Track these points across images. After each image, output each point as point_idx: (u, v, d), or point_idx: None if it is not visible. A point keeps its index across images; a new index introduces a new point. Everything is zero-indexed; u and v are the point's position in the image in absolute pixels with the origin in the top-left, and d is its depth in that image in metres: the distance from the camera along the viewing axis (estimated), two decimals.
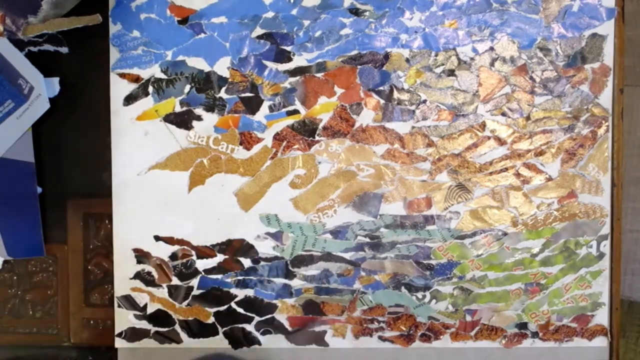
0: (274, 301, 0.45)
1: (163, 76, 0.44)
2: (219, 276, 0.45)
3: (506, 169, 0.44)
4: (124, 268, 0.45)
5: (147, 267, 0.45)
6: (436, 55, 0.43)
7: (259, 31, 0.43)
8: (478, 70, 0.43)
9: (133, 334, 0.45)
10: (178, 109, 0.44)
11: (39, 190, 0.45)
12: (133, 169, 0.44)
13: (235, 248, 0.45)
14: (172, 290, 0.45)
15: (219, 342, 0.46)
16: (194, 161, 0.44)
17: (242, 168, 0.44)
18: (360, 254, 0.45)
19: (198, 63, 0.44)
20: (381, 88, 0.44)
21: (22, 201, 0.43)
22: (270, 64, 0.44)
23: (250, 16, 0.43)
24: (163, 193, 0.44)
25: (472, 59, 0.43)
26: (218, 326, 0.45)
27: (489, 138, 0.44)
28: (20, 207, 0.43)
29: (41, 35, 0.43)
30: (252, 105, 0.44)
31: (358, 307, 0.45)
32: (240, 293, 0.45)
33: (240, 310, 0.45)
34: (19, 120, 0.41)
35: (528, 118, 0.44)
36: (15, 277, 0.46)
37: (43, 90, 0.42)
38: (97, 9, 0.42)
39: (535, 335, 0.45)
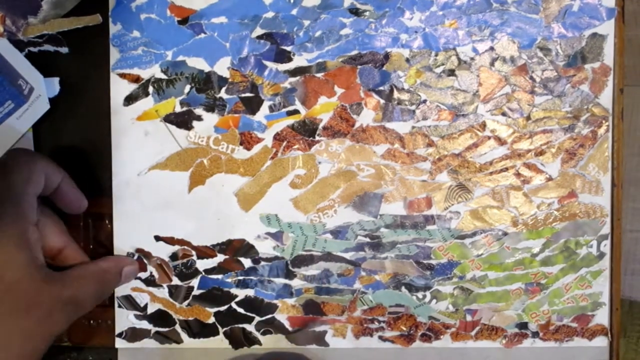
0: (274, 301, 0.45)
1: (163, 76, 0.44)
2: (220, 276, 0.45)
3: (506, 169, 0.44)
4: None
5: (148, 267, 0.45)
6: (436, 55, 0.43)
7: (259, 31, 0.43)
8: (478, 70, 0.43)
9: (133, 334, 0.45)
10: (178, 109, 0.44)
11: None
12: (133, 169, 0.44)
13: (236, 248, 0.45)
14: (173, 290, 0.45)
15: (219, 342, 0.46)
16: (194, 161, 0.44)
17: (242, 168, 0.44)
18: (361, 254, 0.45)
19: (198, 63, 0.44)
20: (381, 88, 0.44)
21: None
22: (271, 64, 0.44)
23: (250, 16, 0.43)
24: (163, 193, 0.44)
25: (472, 58, 0.43)
26: (218, 326, 0.45)
27: (489, 138, 0.44)
28: None
29: (41, 35, 0.43)
30: (252, 105, 0.44)
31: (358, 307, 0.45)
32: (241, 293, 0.45)
33: (241, 310, 0.45)
34: (18, 121, 0.41)
35: (528, 118, 0.44)
36: None
37: (43, 91, 0.42)
38: (97, 8, 0.43)
39: (535, 335, 0.45)
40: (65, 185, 0.40)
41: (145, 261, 0.45)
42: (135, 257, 0.44)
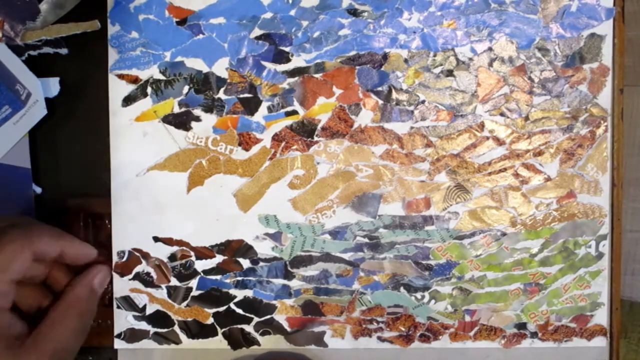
0: (273, 302, 0.45)
1: (162, 77, 0.44)
2: (218, 277, 0.45)
3: (505, 169, 0.44)
4: None
5: (146, 268, 0.45)
6: (434, 56, 0.43)
7: (257, 32, 0.43)
8: (476, 70, 0.43)
9: (132, 335, 0.45)
10: (177, 109, 0.44)
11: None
12: (132, 170, 0.44)
13: (234, 249, 0.45)
14: (171, 291, 0.45)
15: (218, 343, 0.46)
16: (192, 162, 0.44)
17: (240, 169, 0.44)
18: (359, 254, 0.45)
19: (196, 64, 0.44)
20: (380, 88, 0.44)
21: (18, 206, 0.43)
22: (269, 65, 0.44)
23: (248, 17, 0.43)
24: (162, 194, 0.44)
25: (470, 59, 0.43)
26: (217, 327, 0.46)
27: (487, 138, 0.44)
28: (15, 212, 0.43)
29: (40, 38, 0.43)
30: (251, 106, 0.44)
31: (357, 307, 0.45)
32: (239, 294, 0.45)
33: (239, 311, 0.45)
34: (15, 126, 0.41)
35: (527, 118, 0.44)
36: None
37: (40, 96, 0.42)
38: (96, 9, 0.43)
39: (534, 335, 0.45)
40: (68, 250, 0.38)
41: (144, 261, 0.45)
42: (125, 257, 0.44)
